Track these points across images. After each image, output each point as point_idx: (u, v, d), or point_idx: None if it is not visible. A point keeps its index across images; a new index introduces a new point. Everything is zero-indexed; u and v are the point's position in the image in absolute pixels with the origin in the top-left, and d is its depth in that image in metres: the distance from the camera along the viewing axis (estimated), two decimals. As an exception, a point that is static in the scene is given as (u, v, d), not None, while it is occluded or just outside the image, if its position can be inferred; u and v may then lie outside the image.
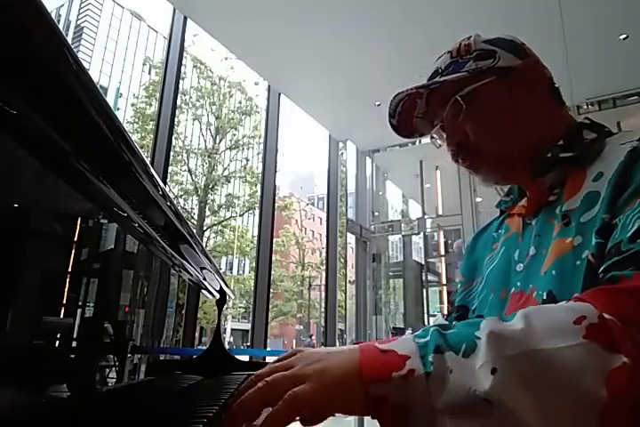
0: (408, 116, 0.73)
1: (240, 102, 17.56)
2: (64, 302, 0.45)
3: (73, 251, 0.46)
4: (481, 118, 0.67)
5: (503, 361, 0.36)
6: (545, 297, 0.55)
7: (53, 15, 0.33)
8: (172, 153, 5.90)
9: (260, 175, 6.46)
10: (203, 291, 1.19)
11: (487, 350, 0.37)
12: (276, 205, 7.26)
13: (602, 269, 0.48)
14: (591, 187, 0.57)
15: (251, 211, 17.07)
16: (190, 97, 16.01)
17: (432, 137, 0.74)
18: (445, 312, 0.82)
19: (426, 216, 9.05)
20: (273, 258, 6.60)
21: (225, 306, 1.35)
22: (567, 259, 0.55)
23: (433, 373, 0.37)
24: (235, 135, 16.74)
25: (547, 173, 0.64)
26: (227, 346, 1.25)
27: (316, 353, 0.43)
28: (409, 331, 7.93)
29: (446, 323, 0.45)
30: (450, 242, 9.21)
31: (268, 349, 5.90)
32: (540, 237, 0.61)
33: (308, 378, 0.40)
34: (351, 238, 8.57)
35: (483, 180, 0.71)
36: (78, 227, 0.48)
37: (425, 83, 0.69)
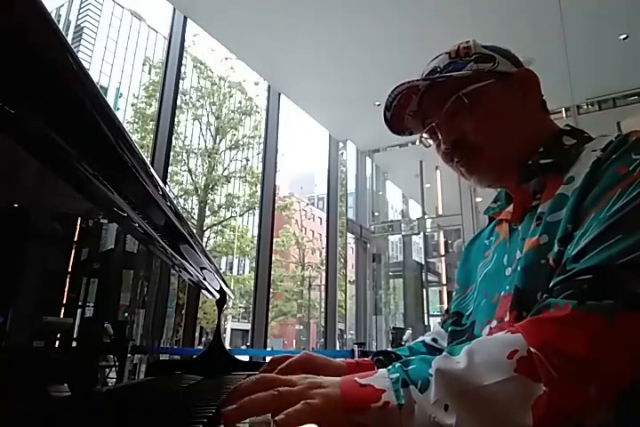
0: (401, 111, 0.75)
1: (240, 102, 17.52)
2: (64, 302, 0.45)
3: (73, 251, 0.46)
4: (482, 118, 0.68)
5: (451, 399, 0.43)
6: (512, 292, 0.59)
7: (53, 15, 0.33)
8: (172, 153, 5.90)
9: (260, 175, 6.46)
10: (203, 291, 1.19)
11: (437, 388, 0.44)
12: (276, 205, 7.26)
13: (551, 284, 0.51)
14: (561, 189, 0.59)
15: (251, 211, 17.04)
16: (190, 97, 15.97)
17: (421, 136, 0.76)
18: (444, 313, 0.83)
19: (426, 216, 9.05)
20: (273, 258, 6.59)
21: (225, 306, 1.35)
22: (531, 256, 0.58)
23: (404, 404, 0.44)
24: (235, 135, 16.69)
25: (530, 180, 0.66)
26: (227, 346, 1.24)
27: (319, 379, 0.49)
28: (409, 331, 7.92)
29: (409, 358, 0.51)
30: (450, 242, 9.20)
31: (268, 349, 5.90)
32: (524, 240, 0.62)
33: (312, 399, 0.45)
34: (351, 238, 8.56)
35: (477, 181, 0.72)
36: (78, 227, 0.48)
37: (429, 76, 0.70)
